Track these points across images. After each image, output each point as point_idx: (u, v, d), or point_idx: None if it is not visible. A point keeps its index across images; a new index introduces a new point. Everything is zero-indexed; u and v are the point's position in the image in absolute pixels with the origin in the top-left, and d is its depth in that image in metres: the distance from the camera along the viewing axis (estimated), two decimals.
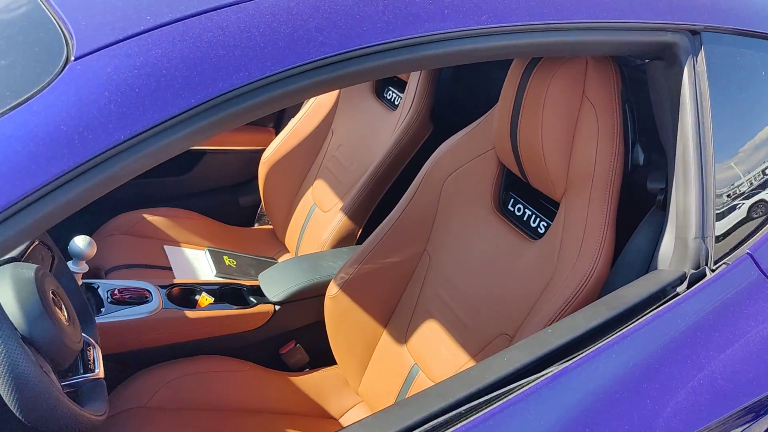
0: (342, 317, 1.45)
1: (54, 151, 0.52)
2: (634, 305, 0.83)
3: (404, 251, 1.40)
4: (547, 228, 1.22)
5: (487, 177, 1.31)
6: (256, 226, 2.25)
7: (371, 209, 1.72)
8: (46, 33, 0.60)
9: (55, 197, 0.52)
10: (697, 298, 0.86)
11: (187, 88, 0.58)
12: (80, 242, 1.26)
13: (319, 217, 1.88)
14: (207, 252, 1.90)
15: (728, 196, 0.96)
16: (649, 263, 0.97)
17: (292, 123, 2.02)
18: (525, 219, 1.27)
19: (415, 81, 1.76)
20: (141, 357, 1.36)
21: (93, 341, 1.03)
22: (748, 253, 0.96)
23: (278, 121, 2.26)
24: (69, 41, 0.59)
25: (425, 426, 0.67)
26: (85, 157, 0.53)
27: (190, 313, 1.41)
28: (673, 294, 0.86)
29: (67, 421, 0.77)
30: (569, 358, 0.75)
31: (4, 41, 0.64)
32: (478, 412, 0.69)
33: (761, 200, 1.03)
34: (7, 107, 0.54)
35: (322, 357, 1.55)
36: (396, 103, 1.87)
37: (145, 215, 1.91)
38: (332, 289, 1.43)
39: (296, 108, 2.11)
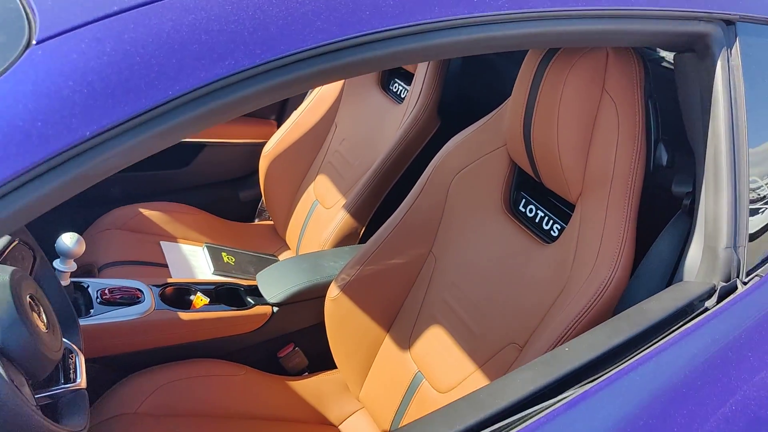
0: (343, 320, 1.38)
1: (7, 150, 0.45)
2: (659, 321, 0.75)
3: (409, 252, 1.34)
4: (560, 231, 1.15)
5: (497, 176, 1.24)
6: (257, 221, 2.18)
7: (375, 207, 1.65)
8: (7, 13, 0.53)
9: (7, 203, 0.45)
10: (729, 314, 0.78)
11: (164, 77, 0.51)
12: (67, 240, 1.20)
13: (321, 214, 1.82)
14: (205, 248, 1.83)
15: (763, 201, 0.89)
16: (672, 273, 0.90)
17: (295, 115, 1.95)
18: (537, 221, 1.20)
19: (422, 73, 1.69)
20: (131, 360, 1.30)
21: (76, 348, 0.96)
22: None
23: (280, 114, 2.19)
24: (32, 23, 0.52)
25: None
26: (44, 156, 0.46)
27: (184, 315, 1.34)
28: (701, 309, 0.79)
29: None
30: (589, 380, 0.68)
31: None
32: None
33: None
34: None
35: (321, 361, 1.49)
36: (402, 96, 1.79)
37: (142, 210, 1.84)
38: (333, 291, 1.37)
39: (299, 100, 2.04)
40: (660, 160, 1.02)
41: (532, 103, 1.05)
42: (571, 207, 1.12)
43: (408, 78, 1.78)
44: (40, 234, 1.27)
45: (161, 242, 1.81)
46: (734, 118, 0.85)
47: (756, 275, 0.86)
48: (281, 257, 1.96)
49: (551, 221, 1.18)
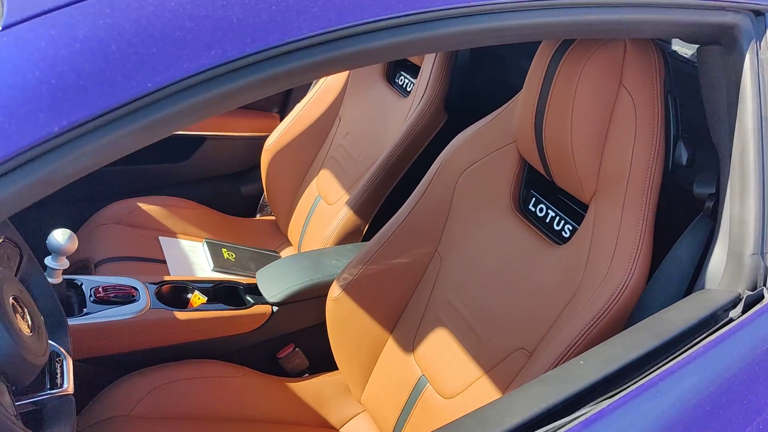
0: (344, 321, 1.34)
1: None
2: (681, 333, 0.70)
3: (413, 252, 1.29)
4: (572, 232, 1.10)
5: (506, 173, 1.19)
6: (258, 217, 2.14)
7: (379, 204, 1.60)
8: None
9: None
10: (755, 325, 0.73)
11: (144, 68, 0.46)
12: (59, 236, 1.15)
13: (323, 210, 1.77)
14: (205, 244, 1.79)
15: None
16: (692, 280, 0.85)
17: (298, 108, 1.90)
18: (548, 221, 1.15)
19: (429, 66, 1.64)
20: (125, 361, 1.26)
21: (63, 351, 0.92)
22: None
23: (283, 106, 2.14)
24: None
25: None
26: (7, 155, 0.41)
27: (180, 314, 1.30)
28: (725, 320, 0.74)
29: None
30: (606, 396, 0.63)
31: None
32: None
33: None
34: None
35: (322, 362, 1.45)
36: (408, 89, 1.74)
37: (140, 204, 1.80)
38: (335, 291, 1.33)
39: (302, 92, 1.99)
40: (679, 158, 0.96)
41: (544, 97, 1.00)
42: (584, 207, 1.07)
43: (414, 71, 1.72)
44: (35, 230, 1.24)
45: (160, 237, 1.77)
46: (763, 115, 0.79)
47: None
48: (283, 254, 1.91)
49: (563, 221, 1.13)
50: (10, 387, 0.76)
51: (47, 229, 1.19)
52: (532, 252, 1.13)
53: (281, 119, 2.08)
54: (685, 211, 0.96)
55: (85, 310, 1.22)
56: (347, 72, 1.88)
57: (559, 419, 0.61)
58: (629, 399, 0.64)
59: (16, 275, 0.91)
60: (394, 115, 1.70)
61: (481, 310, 1.17)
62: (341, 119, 1.86)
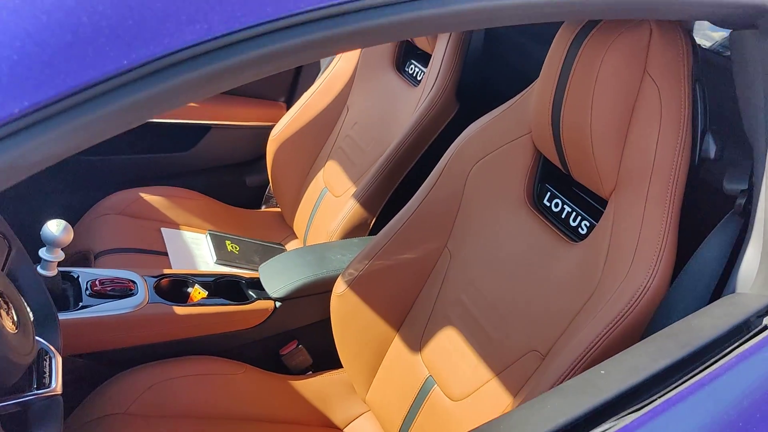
0: (349, 318, 1.29)
1: None
2: (712, 341, 0.65)
3: (422, 247, 1.24)
4: (590, 229, 1.04)
5: (520, 166, 1.13)
6: (264, 208, 2.09)
7: (387, 197, 1.55)
8: None
9: None
10: None
11: (118, 43, 0.41)
12: (53, 227, 1.11)
13: (329, 202, 1.72)
14: (208, 236, 1.74)
15: None
16: (721, 282, 0.79)
17: (305, 97, 1.85)
18: (563, 216, 1.09)
19: (440, 53, 1.57)
20: (122, 357, 1.22)
21: (53, 349, 0.88)
22: None
23: (290, 95, 2.09)
24: None
25: None
26: None
27: (180, 309, 1.26)
28: (759, 327, 0.68)
29: None
30: (630, 410, 0.58)
31: None
32: None
33: None
34: None
35: (326, 359, 1.40)
36: (418, 78, 1.68)
37: (142, 194, 1.76)
38: (339, 286, 1.28)
39: (310, 81, 1.94)
40: (707, 152, 0.90)
41: (563, 84, 0.94)
42: (603, 203, 1.01)
43: (425, 59, 1.66)
44: (35, 220, 1.19)
45: (162, 229, 1.72)
46: None
47: None
48: (288, 246, 1.87)
49: (579, 217, 1.07)
50: None
51: (47, 219, 1.15)
52: (547, 249, 1.07)
53: (288, 108, 2.03)
54: (712, 208, 0.90)
55: (80, 303, 1.18)
56: (356, 60, 1.83)
57: None
58: (656, 414, 0.58)
59: (3, 269, 0.87)
60: (403, 104, 1.65)
61: (492, 309, 1.12)
62: (349, 109, 1.81)
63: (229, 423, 1.25)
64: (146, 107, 0.42)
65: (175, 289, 1.32)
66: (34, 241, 1.12)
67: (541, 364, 1.01)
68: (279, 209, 1.97)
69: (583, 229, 1.06)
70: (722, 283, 0.81)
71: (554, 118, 0.99)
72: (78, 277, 1.23)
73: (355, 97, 1.80)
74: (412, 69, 1.72)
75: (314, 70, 2.04)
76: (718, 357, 0.64)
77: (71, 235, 1.13)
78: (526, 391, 1.00)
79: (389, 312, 1.27)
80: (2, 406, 0.75)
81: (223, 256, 1.68)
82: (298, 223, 1.84)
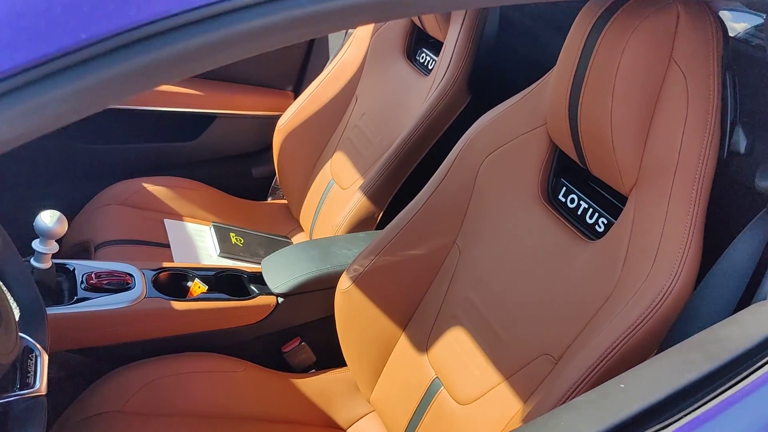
0: (354, 315, 1.24)
1: None
2: (743, 353, 0.59)
3: (430, 243, 1.19)
4: (607, 226, 0.99)
5: (534, 159, 1.08)
6: (270, 200, 2.04)
7: (395, 190, 1.50)
8: None
9: None
10: None
11: (76, 14, 0.36)
12: (47, 218, 1.07)
13: (336, 195, 1.67)
14: (212, 228, 1.70)
15: None
16: (751, 288, 0.73)
17: (312, 86, 1.80)
18: (579, 213, 1.04)
19: (452, 42, 1.51)
20: (118, 352, 1.18)
21: (39, 347, 0.83)
22: None
23: (298, 84, 2.03)
24: None
25: None
26: None
27: (178, 304, 1.21)
28: None
29: None
30: (652, 431, 0.52)
31: None
32: None
33: None
34: None
35: (330, 357, 1.36)
36: (430, 67, 1.62)
37: (145, 184, 1.71)
38: (344, 283, 1.23)
39: (318, 69, 1.88)
40: (737, 146, 0.84)
41: (582, 72, 0.88)
42: (623, 199, 0.95)
43: (437, 48, 1.60)
44: (35, 210, 1.15)
45: (165, 220, 1.68)
46: None
47: None
48: (294, 240, 1.82)
49: (596, 214, 1.01)
50: None
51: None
52: (561, 247, 1.02)
53: (296, 98, 1.97)
54: (741, 207, 0.84)
55: (75, 297, 1.14)
56: (365, 48, 1.77)
57: None
58: None
59: None
60: (414, 94, 1.59)
61: (502, 309, 1.06)
62: (358, 98, 1.75)
63: (229, 422, 1.21)
64: (105, 91, 0.37)
65: (174, 283, 1.28)
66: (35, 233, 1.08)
67: (553, 369, 0.96)
68: (285, 201, 1.92)
69: (600, 227, 1.00)
70: (752, 289, 0.75)
71: (571, 108, 0.93)
72: (74, 269, 1.19)
73: (364, 86, 1.75)
74: (423, 58, 1.66)
75: (323, 59, 1.99)
76: (750, 371, 0.58)
77: (65, 226, 1.09)
78: (537, 398, 0.95)
79: (395, 310, 1.22)
80: None
81: (226, 249, 1.64)
82: (305, 216, 1.80)
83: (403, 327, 1.22)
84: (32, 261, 1.10)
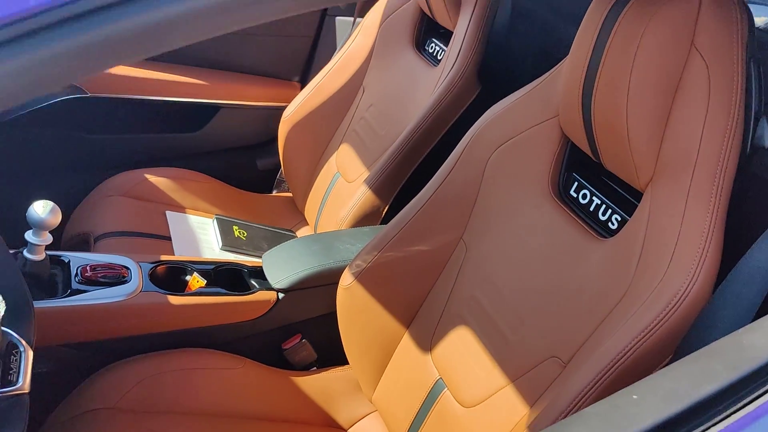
0: (356, 312, 1.21)
1: None
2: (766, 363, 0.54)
3: (435, 239, 1.15)
4: (621, 224, 0.94)
5: (544, 152, 1.03)
6: (275, 193, 2.01)
7: (401, 183, 1.46)
8: None
9: None
10: None
11: None
12: (39, 209, 1.04)
13: (341, 188, 1.63)
14: (215, 221, 1.67)
15: None
16: None
17: (319, 77, 1.76)
18: (592, 209, 0.99)
19: (462, 31, 1.47)
20: (112, 347, 1.15)
21: (24, 342, 0.80)
22: None
23: (304, 75, 1.99)
24: None
25: None
26: None
27: (175, 299, 1.18)
28: None
29: None
30: None
31: None
32: None
33: None
34: None
35: (331, 355, 1.32)
36: (439, 57, 1.57)
37: (148, 175, 1.68)
38: (346, 279, 1.19)
39: (325, 60, 1.84)
40: (761, 140, 0.79)
41: (596, 61, 0.83)
42: (638, 195, 0.90)
43: (446, 38, 1.56)
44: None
45: (167, 212, 1.65)
46: None
47: None
48: (299, 233, 1.78)
49: (610, 211, 0.96)
50: None
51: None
52: (572, 245, 0.97)
53: (303, 88, 1.93)
54: (765, 204, 0.79)
55: (69, 290, 1.11)
56: (373, 38, 1.73)
57: None
58: None
59: None
60: (422, 85, 1.54)
61: (509, 309, 1.02)
62: (365, 89, 1.71)
63: (227, 421, 1.18)
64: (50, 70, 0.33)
65: (172, 276, 1.25)
66: None
67: (561, 372, 0.92)
68: (291, 194, 1.89)
69: (613, 224, 0.95)
70: None
71: (585, 98, 0.88)
72: (69, 262, 1.16)
73: (371, 77, 1.70)
74: (432, 48, 1.62)
75: (331, 49, 1.95)
76: None
77: (59, 217, 1.06)
78: (544, 403, 0.90)
79: (399, 307, 1.18)
80: None
81: (229, 242, 1.61)
82: (310, 209, 1.76)
83: (406, 325, 1.18)
84: (25, 252, 1.07)
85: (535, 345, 0.97)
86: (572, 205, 1.01)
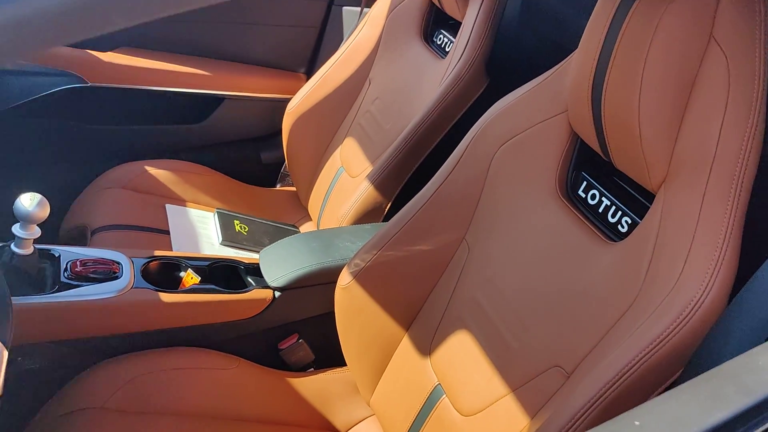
0: (354, 312, 1.17)
1: None
2: None
3: (437, 238, 1.10)
4: (631, 226, 0.88)
5: (552, 150, 0.98)
6: (279, 187, 1.97)
7: (404, 180, 1.41)
8: None
9: None
10: None
11: None
12: (26, 201, 1.00)
13: (345, 183, 1.58)
14: (216, 215, 1.63)
15: None
16: None
17: (324, 68, 1.71)
18: (601, 210, 0.94)
19: (470, 22, 1.41)
20: (101, 345, 1.12)
21: None
22: None
23: (310, 66, 1.95)
24: None
25: None
26: None
27: (167, 296, 1.14)
28: None
29: None
30: None
31: None
32: None
33: None
34: None
35: (329, 356, 1.28)
36: (447, 49, 1.52)
37: (148, 167, 1.65)
38: (344, 278, 1.15)
39: (331, 51, 1.79)
40: None
41: (607, 54, 0.78)
42: (650, 197, 0.85)
43: (455, 29, 1.50)
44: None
45: (167, 205, 1.62)
46: None
47: None
48: (303, 229, 1.75)
49: (620, 213, 0.91)
50: None
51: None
52: (579, 247, 0.92)
53: (308, 80, 1.89)
54: None
55: (57, 285, 1.08)
56: (380, 29, 1.68)
57: None
58: None
59: None
60: (429, 78, 1.49)
61: (512, 314, 0.97)
62: (371, 82, 1.66)
63: (220, 423, 1.14)
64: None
65: (165, 273, 1.21)
66: None
67: (564, 383, 0.87)
68: (295, 188, 1.85)
69: (623, 227, 0.90)
70: None
71: (595, 93, 0.83)
72: (59, 256, 1.13)
73: (377, 69, 1.65)
74: (440, 39, 1.56)
75: (337, 40, 1.90)
76: None
77: (47, 210, 1.03)
78: (545, 415, 0.86)
79: (398, 308, 1.14)
80: None
81: (229, 237, 1.57)
82: (313, 204, 1.72)
83: (406, 327, 1.14)
84: (12, 246, 1.04)
85: (537, 353, 0.92)
86: (580, 205, 0.96)
